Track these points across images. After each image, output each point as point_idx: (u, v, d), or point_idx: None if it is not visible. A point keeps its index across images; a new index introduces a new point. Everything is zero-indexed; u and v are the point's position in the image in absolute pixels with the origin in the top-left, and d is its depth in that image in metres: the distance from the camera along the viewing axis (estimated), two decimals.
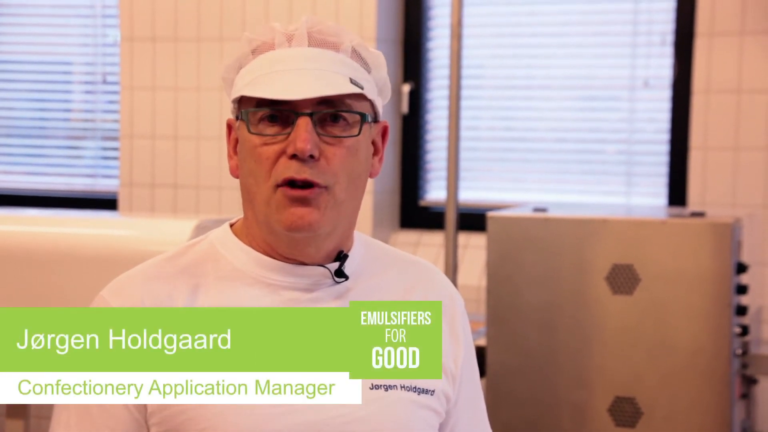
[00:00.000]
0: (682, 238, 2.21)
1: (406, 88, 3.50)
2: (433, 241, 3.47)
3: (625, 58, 3.29)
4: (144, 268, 1.18)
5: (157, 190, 3.50)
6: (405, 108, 3.51)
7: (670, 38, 3.22)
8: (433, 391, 1.17)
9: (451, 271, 2.43)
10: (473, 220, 3.21)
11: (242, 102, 1.15)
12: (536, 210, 2.45)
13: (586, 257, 2.28)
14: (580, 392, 2.27)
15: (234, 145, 1.19)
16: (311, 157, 1.11)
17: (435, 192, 3.54)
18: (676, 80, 3.21)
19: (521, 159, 3.45)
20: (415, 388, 1.15)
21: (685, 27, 3.19)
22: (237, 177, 1.18)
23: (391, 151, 3.54)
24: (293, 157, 1.11)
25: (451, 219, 2.42)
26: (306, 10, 3.42)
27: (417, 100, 3.52)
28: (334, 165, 1.12)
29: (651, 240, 2.23)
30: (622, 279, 2.25)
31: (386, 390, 1.13)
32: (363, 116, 1.14)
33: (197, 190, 3.54)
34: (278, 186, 1.11)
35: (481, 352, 2.42)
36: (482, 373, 2.42)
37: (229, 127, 1.20)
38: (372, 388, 1.12)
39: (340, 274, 1.17)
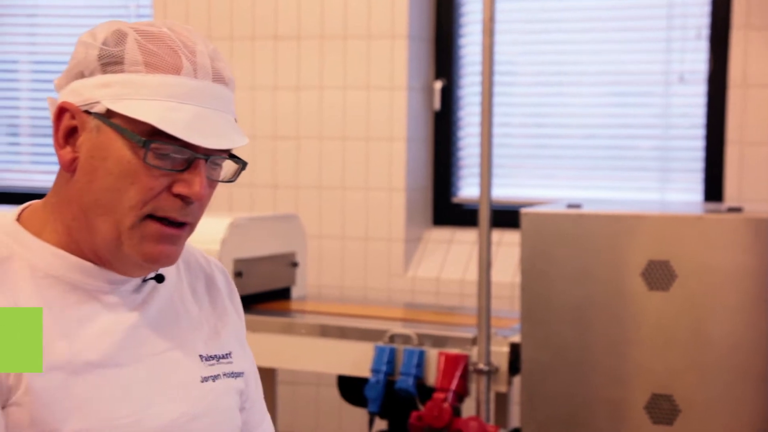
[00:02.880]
0: (718, 234, 2.18)
1: (438, 85, 3.49)
2: (465, 238, 3.46)
3: (659, 53, 3.25)
4: None
5: None
6: (437, 105, 3.50)
7: (705, 32, 3.19)
8: (242, 373, 1.22)
9: (485, 268, 2.42)
10: (506, 216, 3.19)
11: (128, 118, 1.07)
12: (570, 206, 2.43)
13: (622, 253, 2.26)
14: (616, 389, 2.25)
15: (66, 133, 1.10)
16: None
17: (467, 189, 3.53)
18: (712, 74, 3.17)
19: (554, 155, 3.43)
20: (232, 373, 1.20)
21: (720, 20, 3.16)
22: (70, 171, 1.10)
23: (423, 148, 3.53)
24: (178, 196, 1.07)
25: (484, 216, 2.41)
26: (337, 7, 3.42)
27: (449, 97, 3.51)
28: (203, 206, 1.12)
29: (687, 236, 2.20)
30: (659, 275, 2.23)
31: (214, 381, 1.18)
32: (243, 164, 1.15)
33: (230, 188, 3.56)
34: (148, 217, 1.08)
35: (515, 350, 2.41)
36: (516, 371, 2.42)
37: (62, 111, 1.10)
38: (203, 381, 1.16)
39: (159, 277, 1.17)
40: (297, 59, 3.50)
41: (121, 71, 1.08)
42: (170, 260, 1.11)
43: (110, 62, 1.09)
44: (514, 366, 2.41)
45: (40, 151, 3.97)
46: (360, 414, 3.06)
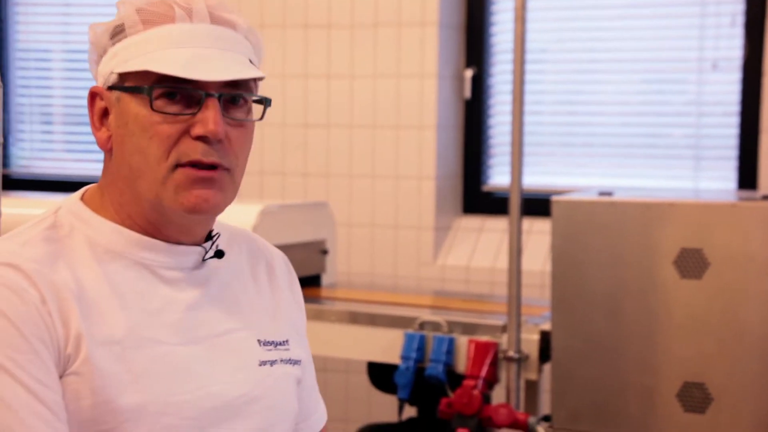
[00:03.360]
0: (752, 222, 2.16)
1: (469, 73, 3.48)
2: (496, 226, 3.45)
3: (693, 39, 3.22)
4: (27, 240, 1.09)
5: None
6: (467, 93, 3.49)
7: (740, 18, 3.15)
8: (299, 361, 1.23)
9: (515, 256, 2.41)
10: (536, 205, 3.18)
11: (136, 75, 1.09)
12: (601, 194, 2.41)
13: (654, 241, 2.24)
14: (647, 378, 2.24)
15: (100, 115, 1.14)
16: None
17: (498, 177, 3.52)
18: (747, 61, 3.14)
19: (585, 143, 3.41)
20: (289, 360, 1.21)
21: (755, 6, 3.12)
22: (107, 150, 1.13)
23: (454, 136, 3.53)
24: (199, 138, 1.08)
25: (515, 204, 2.40)
26: None
27: (479, 85, 3.50)
28: (236, 148, 1.11)
29: (720, 223, 2.18)
30: (691, 263, 2.21)
31: (272, 365, 1.18)
32: (267, 102, 1.15)
33: (261, 176, 3.57)
34: (178, 166, 1.09)
35: (546, 338, 2.40)
36: (547, 358, 2.41)
37: (93, 95, 1.14)
38: (261, 365, 1.17)
39: (219, 253, 1.17)
40: (327, 47, 3.50)
41: (125, 37, 1.12)
42: (209, 204, 1.10)
43: (115, 33, 1.13)
44: (545, 354, 2.41)
45: (73, 139, 4.01)
46: (389, 401, 3.07)
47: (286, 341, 1.21)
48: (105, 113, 1.13)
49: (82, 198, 1.17)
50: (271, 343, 1.19)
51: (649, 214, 2.25)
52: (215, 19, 1.12)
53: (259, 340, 1.18)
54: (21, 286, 1.03)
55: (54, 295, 1.04)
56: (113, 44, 1.13)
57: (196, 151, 1.08)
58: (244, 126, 1.13)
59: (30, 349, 1.01)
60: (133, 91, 1.09)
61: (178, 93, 1.08)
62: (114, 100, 1.12)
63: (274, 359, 1.18)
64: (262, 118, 1.15)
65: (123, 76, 1.11)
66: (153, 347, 1.08)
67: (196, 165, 1.09)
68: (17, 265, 1.04)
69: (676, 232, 2.22)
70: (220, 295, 1.17)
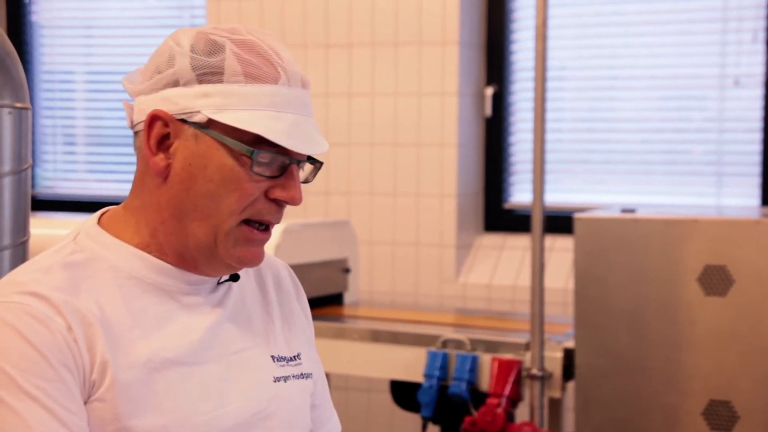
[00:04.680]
0: None
1: (490, 91, 3.49)
2: (518, 243, 3.45)
3: (714, 56, 3.22)
4: (49, 267, 1.10)
5: None
6: (488, 111, 3.50)
7: (761, 34, 3.14)
8: (311, 374, 1.24)
9: (538, 273, 2.41)
10: (557, 222, 3.18)
11: (231, 126, 1.10)
12: (624, 211, 2.41)
13: (677, 258, 2.23)
14: (672, 395, 2.23)
15: (158, 140, 1.12)
16: None
17: (519, 194, 3.52)
18: None
19: (606, 160, 3.40)
20: (301, 374, 1.22)
21: None
22: (162, 178, 1.12)
23: (475, 154, 3.53)
24: (273, 200, 1.12)
25: (537, 221, 2.40)
26: (389, 14, 3.44)
27: (500, 103, 3.50)
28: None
29: (744, 240, 2.18)
30: (715, 280, 2.20)
31: (285, 381, 1.20)
32: (321, 165, 1.18)
33: None
34: (244, 221, 1.12)
35: (569, 355, 2.39)
36: (570, 376, 2.40)
37: (154, 119, 1.12)
38: (276, 381, 1.18)
39: (235, 277, 1.21)
40: (348, 66, 3.52)
41: (220, 81, 1.10)
42: (259, 261, 1.15)
43: (208, 72, 1.11)
44: (568, 371, 2.40)
45: (95, 159, 4.04)
46: (412, 419, 3.06)
47: (298, 355, 1.23)
48: (164, 139, 1.12)
49: (99, 221, 1.17)
50: (284, 358, 1.21)
51: (672, 231, 2.25)
52: (304, 84, 1.15)
53: (272, 356, 1.20)
54: (47, 315, 1.04)
55: (79, 323, 1.06)
56: (201, 81, 1.10)
57: (270, 212, 1.12)
58: None
59: (56, 377, 1.03)
60: (227, 142, 1.09)
61: (272, 159, 1.11)
62: (189, 135, 1.11)
63: (287, 375, 1.20)
64: (311, 180, 1.18)
65: (213, 120, 1.10)
66: (174, 369, 1.10)
67: (257, 223, 1.12)
68: (42, 293, 1.06)
69: (700, 248, 2.21)
70: (234, 313, 1.18)
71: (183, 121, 1.11)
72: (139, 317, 1.10)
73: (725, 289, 2.19)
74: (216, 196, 1.10)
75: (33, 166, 3.91)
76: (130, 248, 1.14)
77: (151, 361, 1.08)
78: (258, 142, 1.09)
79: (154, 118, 1.12)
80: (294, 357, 1.22)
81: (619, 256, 2.28)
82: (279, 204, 1.12)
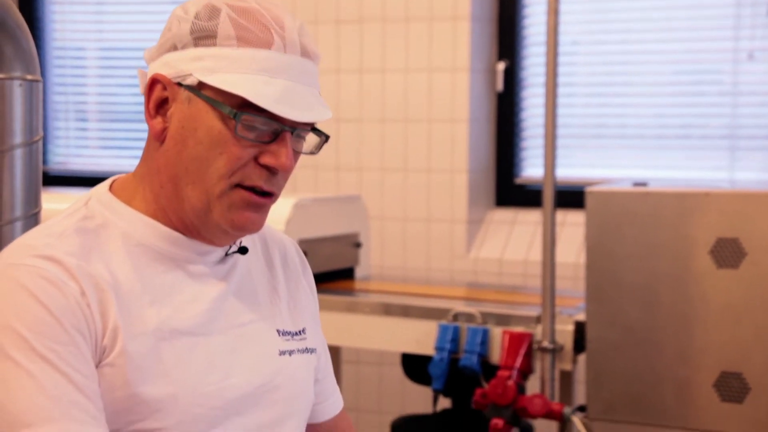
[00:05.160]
0: None
1: (501, 66, 3.47)
2: (529, 218, 3.44)
3: (727, 30, 3.19)
4: (62, 232, 1.11)
5: None
6: (500, 86, 3.48)
7: None
8: (315, 349, 1.25)
9: (549, 248, 2.40)
10: (569, 197, 3.17)
11: (220, 90, 1.10)
12: (636, 184, 2.40)
13: (689, 231, 2.23)
14: (683, 368, 2.23)
15: (157, 103, 1.13)
16: None
17: (531, 169, 3.51)
18: None
19: (619, 135, 3.39)
20: (306, 349, 1.23)
21: None
22: (160, 141, 1.13)
23: (486, 129, 3.52)
24: (266, 166, 1.11)
25: (548, 196, 2.40)
26: None
27: (512, 78, 3.49)
28: (287, 177, 1.15)
29: (757, 213, 2.17)
30: (728, 253, 2.19)
31: (290, 355, 1.20)
32: (326, 138, 1.17)
33: (294, 170, 3.59)
34: (237, 186, 1.11)
35: (580, 328, 2.39)
36: (581, 349, 2.41)
37: (154, 82, 1.13)
38: (281, 354, 1.19)
39: (243, 249, 1.20)
40: (359, 42, 3.51)
41: (213, 45, 1.11)
42: (256, 227, 1.14)
43: (203, 36, 1.11)
44: (579, 344, 2.40)
45: (107, 136, 4.05)
46: (424, 392, 3.08)
47: (303, 330, 1.23)
48: (163, 103, 1.13)
49: (110, 188, 1.18)
50: (289, 333, 1.21)
51: (684, 204, 2.24)
52: (303, 50, 1.14)
53: (278, 330, 1.20)
54: (61, 279, 1.05)
55: (92, 288, 1.06)
56: (197, 45, 1.11)
57: (260, 178, 1.11)
58: (298, 158, 1.16)
59: (70, 341, 1.03)
60: (215, 104, 1.10)
61: (261, 124, 1.10)
62: (184, 98, 1.11)
63: (292, 349, 1.20)
64: (317, 152, 1.17)
65: (203, 83, 1.10)
66: (182, 339, 1.10)
67: (254, 189, 1.11)
68: (56, 257, 1.06)
69: (713, 221, 2.21)
70: (241, 287, 1.19)
71: (179, 84, 1.12)
72: (148, 285, 1.11)
73: (737, 261, 2.19)
74: (205, 159, 1.10)
75: (45, 142, 3.93)
76: (140, 215, 1.14)
77: (159, 330, 1.09)
78: (246, 106, 1.09)
79: (153, 82, 1.13)
80: (299, 332, 1.22)
81: (631, 229, 2.28)
82: (271, 171, 1.11)
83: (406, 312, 2.56)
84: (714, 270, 2.20)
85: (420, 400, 3.26)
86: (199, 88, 1.10)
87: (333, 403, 1.32)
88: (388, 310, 2.58)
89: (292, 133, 1.11)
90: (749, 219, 2.17)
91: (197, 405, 1.09)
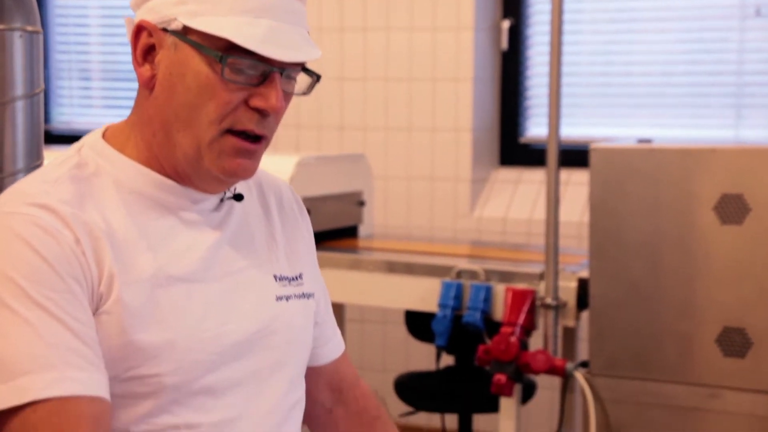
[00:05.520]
0: None
1: (506, 24, 3.45)
2: (533, 177, 3.43)
3: None
4: (56, 179, 1.10)
5: None
6: (504, 44, 3.46)
7: None
8: (312, 294, 1.24)
9: (553, 207, 2.40)
10: (573, 156, 3.16)
11: (205, 33, 1.08)
12: (641, 141, 2.39)
13: (694, 188, 2.22)
14: (686, 324, 2.23)
15: (144, 51, 1.11)
16: None
17: (535, 129, 3.50)
18: None
19: (624, 94, 3.37)
20: (303, 294, 1.22)
21: None
22: (149, 89, 1.12)
23: (490, 88, 3.50)
24: (256, 109, 1.09)
25: (552, 155, 2.39)
26: None
27: (516, 37, 3.47)
28: (278, 119, 1.13)
29: (763, 169, 2.16)
30: (732, 209, 2.19)
31: (287, 300, 1.19)
32: (318, 78, 1.15)
33: (297, 130, 3.58)
34: (228, 132, 1.09)
35: (583, 285, 2.40)
36: (585, 305, 2.41)
37: (140, 29, 1.11)
38: (278, 300, 1.18)
39: (238, 197, 1.20)
40: (363, 1, 3.48)
41: None
42: (248, 173, 1.13)
43: None
44: (582, 301, 2.40)
45: (111, 94, 4.04)
46: (427, 351, 3.09)
47: (300, 275, 1.23)
48: (150, 50, 1.12)
49: (103, 136, 1.17)
50: (286, 278, 1.21)
51: (688, 161, 2.23)
52: None
53: (274, 276, 1.20)
54: (55, 227, 1.05)
55: (87, 236, 1.06)
56: None
57: (251, 121, 1.10)
58: (289, 99, 1.14)
59: (66, 288, 1.03)
60: (201, 49, 1.08)
61: (249, 66, 1.08)
62: (170, 44, 1.10)
63: (289, 294, 1.20)
64: (308, 93, 1.16)
65: (188, 27, 1.09)
66: (178, 285, 1.10)
67: (245, 134, 1.10)
68: (50, 205, 1.06)
69: (717, 177, 2.20)
70: (237, 233, 1.18)
71: (164, 30, 1.10)
72: (143, 232, 1.10)
73: (741, 217, 2.18)
74: (195, 105, 1.09)
75: (48, 101, 3.93)
76: (133, 163, 1.14)
77: (155, 277, 1.09)
78: (232, 48, 1.07)
79: (139, 29, 1.12)
80: (296, 277, 1.22)
81: (635, 186, 2.27)
82: (262, 113, 1.10)
83: (410, 269, 2.57)
84: (718, 226, 2.20)
85: (423, 358, 3.28)
86: (185, 33, 1.09)
87: (334, 347, 1.32)
88: (392, 267, 2.59)
89: (281, 74, 1.10)
90: (754, 175, 2.16)
91: (194, 351, 1.09)
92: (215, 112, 1.09)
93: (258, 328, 1.15)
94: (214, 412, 1.10)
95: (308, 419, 1.29)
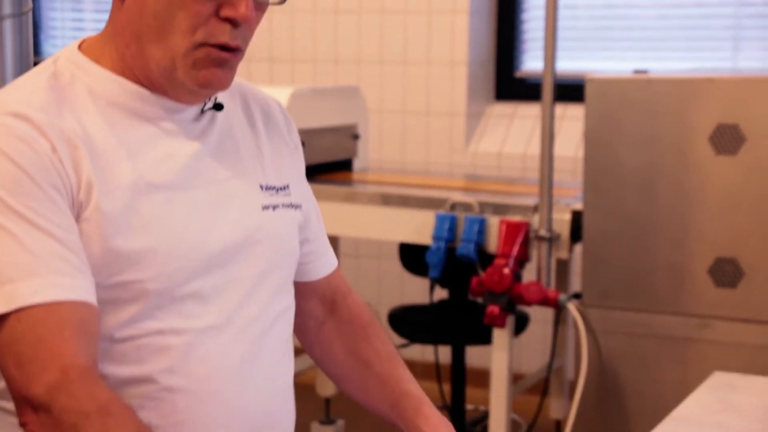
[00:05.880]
0: None
1: None
2: (528, 112, 3.42)
3: None
4: (32, 89, 1.09)
5: (253, 64, 3.51)
6: None
7: None
8: (300, 205, 1.24)
9: (548, 141, 2.39)
10: (569, 91, 3.14)
11: None
12: (637, 72, 2.37)
13: (689, 118, 2.21)
14: (679, 254, 2.24)
15: None
16: None
17: (531, 63, 3.47)
18: None
19: (621, 26, 3.34)
20: (290, 204, 1.22)
21: None
22: (121, 0, 1.11)
23: (487, 21, 3.46)
24: (227, 19, 1.08)
25: (548, 89, 2.37)
26: None
27: None
28: (252, 29, 1.12)
29: (758, 98, 2.15)
30: (727, 139, 2.18)
31: (274, 210, 1.19)
32: None
33: (292, 63, 3.55)
34: (202, 44, 1.09)
35: (577, 217, 2.40)
36: (578, 238, 2.41)
37: None
38: (264, 209, 1.19)
39: (218, 106, 1.19)
40: None
41: None
42: (222, 84, 1.12)
43: None
44: (576, 233, 2.41)
45: (103, 26, 3.99)
46: (421, 284, 3.10)
47: (287, 186, 1.23)
48: None
49: (80, 48, 1.16)
50: (273, 188, 1.21)
51: (685, 91, 2.21)
52: None
53: (260, 185, 1.20)
54: (31, 136, 1.04)
55: (64, 144, 1.05)
56: None
57: (224, 33, 1.09)
58: (263, 8, 1.13)
59: (46, 197, 1.03)
60: None
61: None
62: None
63: (276, 204, 1.20)
64: (283, 2, 1.14)
65: None
66: (160, 193, 1.10)
67: (220, 47, 1.09)
68: (26, 115, 1.05)
69: (713, 108, 2.19)
70: (220, 143, 1.18)
71: None
72: (121, 141, 1.10)
73: (736, 147, 2.18)
74: (166, 15, 1.08)
75: (39, 32, 3.88)
76: (108, 73, 1.13)
77: (135, 185, 1.08)
78: None
79: None
80: (283, 187, 1.22)
81: (631, 117, 2.26)
82: (233, 23, 1.09)
83: (404, 202, 2.56)
84: (713, 156, 2.20)
85: (418, 292, 3.29)
86: None
87: (326, 262, 1.32)
88: (386, 200, 2.59)
89: None
90: (750, 105, 2.15)
91: (177, 257, 1.09)
92: (186, 22, 1.07)
93: (244, 236, 1.15)
94: (200, 319, 1.11)
95: (300, 332, 1.30)
